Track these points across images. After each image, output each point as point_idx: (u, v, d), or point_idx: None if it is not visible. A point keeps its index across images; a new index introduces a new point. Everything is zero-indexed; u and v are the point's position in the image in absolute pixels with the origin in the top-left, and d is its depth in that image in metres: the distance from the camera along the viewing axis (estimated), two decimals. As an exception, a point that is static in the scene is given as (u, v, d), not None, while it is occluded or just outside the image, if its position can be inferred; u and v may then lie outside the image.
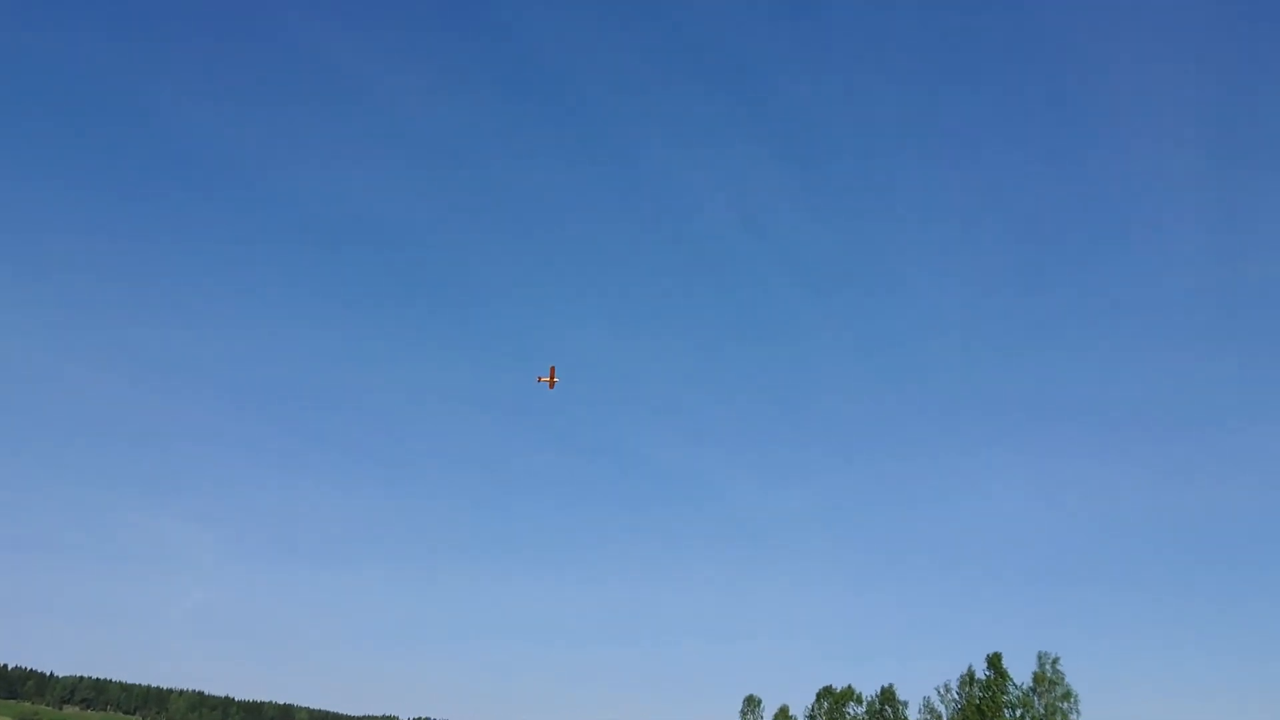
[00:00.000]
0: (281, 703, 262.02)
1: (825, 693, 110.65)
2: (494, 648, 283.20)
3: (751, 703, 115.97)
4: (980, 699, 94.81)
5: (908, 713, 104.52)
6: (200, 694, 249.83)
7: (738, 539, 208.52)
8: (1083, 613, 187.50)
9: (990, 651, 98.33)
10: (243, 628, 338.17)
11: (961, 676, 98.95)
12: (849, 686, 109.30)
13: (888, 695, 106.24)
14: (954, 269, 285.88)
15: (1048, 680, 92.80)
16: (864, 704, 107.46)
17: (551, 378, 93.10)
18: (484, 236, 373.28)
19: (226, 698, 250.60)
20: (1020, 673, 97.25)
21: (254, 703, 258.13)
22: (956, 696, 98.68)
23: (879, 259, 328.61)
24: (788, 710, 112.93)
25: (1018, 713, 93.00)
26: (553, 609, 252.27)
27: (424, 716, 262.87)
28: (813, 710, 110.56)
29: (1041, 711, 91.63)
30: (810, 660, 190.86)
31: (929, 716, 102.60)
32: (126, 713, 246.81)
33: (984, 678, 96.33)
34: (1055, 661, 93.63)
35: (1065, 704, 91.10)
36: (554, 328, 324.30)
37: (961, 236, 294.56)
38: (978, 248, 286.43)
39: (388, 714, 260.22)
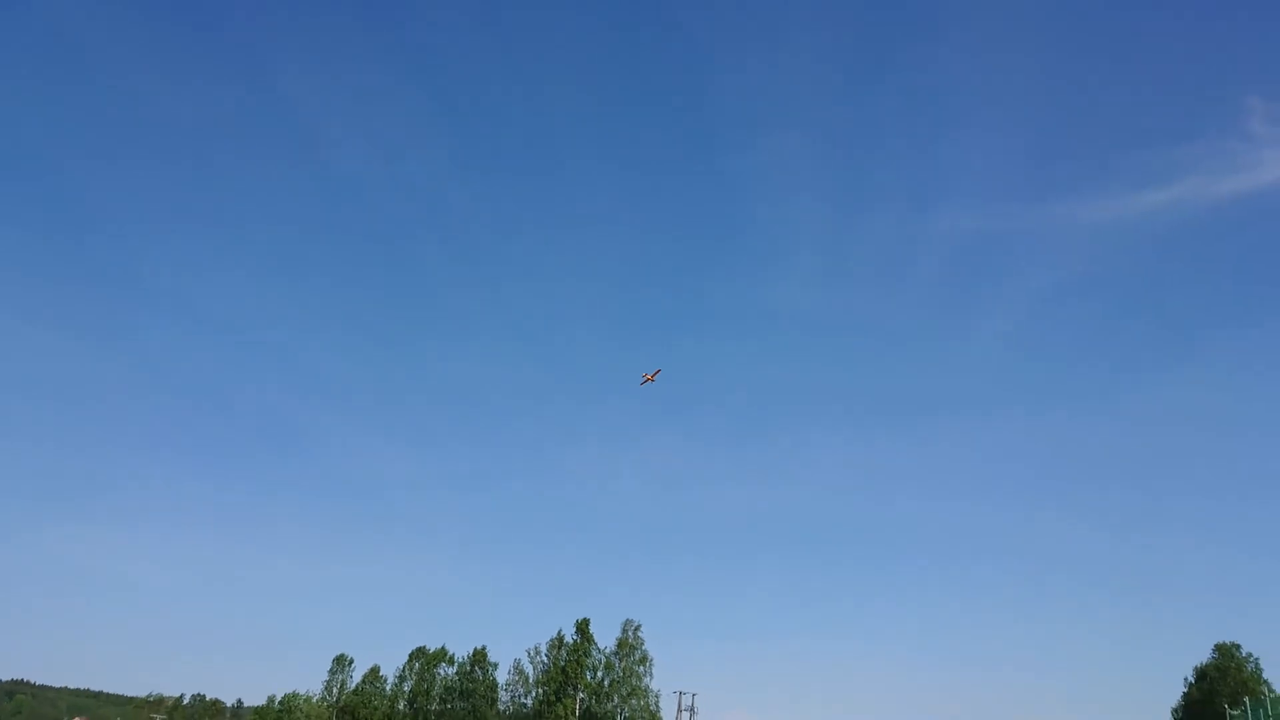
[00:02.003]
0: None
1: (418, 653, 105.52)
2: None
3: (341, 662, 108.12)
4: (566, 661, 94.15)
5: (497, 674, 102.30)
6: None
7: (339, 496, 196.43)
8: (668, 584, 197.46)
9: (580, 617, 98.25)
10: None
11: (551, 640, 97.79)
12: (442, 648, 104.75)
13: (479, 656, 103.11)
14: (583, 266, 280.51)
15: (629, 645, 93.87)
16: (455, 665, 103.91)
17: (652, 377, 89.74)
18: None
19: None
20: (607, 638, 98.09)
21: None
22: (545, 659, 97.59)
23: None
24: (378, 670, 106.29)
25: (599, 674, 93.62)
26: (129, 564, 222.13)
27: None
28: (404, 670, 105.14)
29: (621, 674, 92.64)
30: (406, 623, 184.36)
31: (517, 677, 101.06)
32: None
33: (572, 642, 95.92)
34: (637, 629, 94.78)
35: (641, 667, 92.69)
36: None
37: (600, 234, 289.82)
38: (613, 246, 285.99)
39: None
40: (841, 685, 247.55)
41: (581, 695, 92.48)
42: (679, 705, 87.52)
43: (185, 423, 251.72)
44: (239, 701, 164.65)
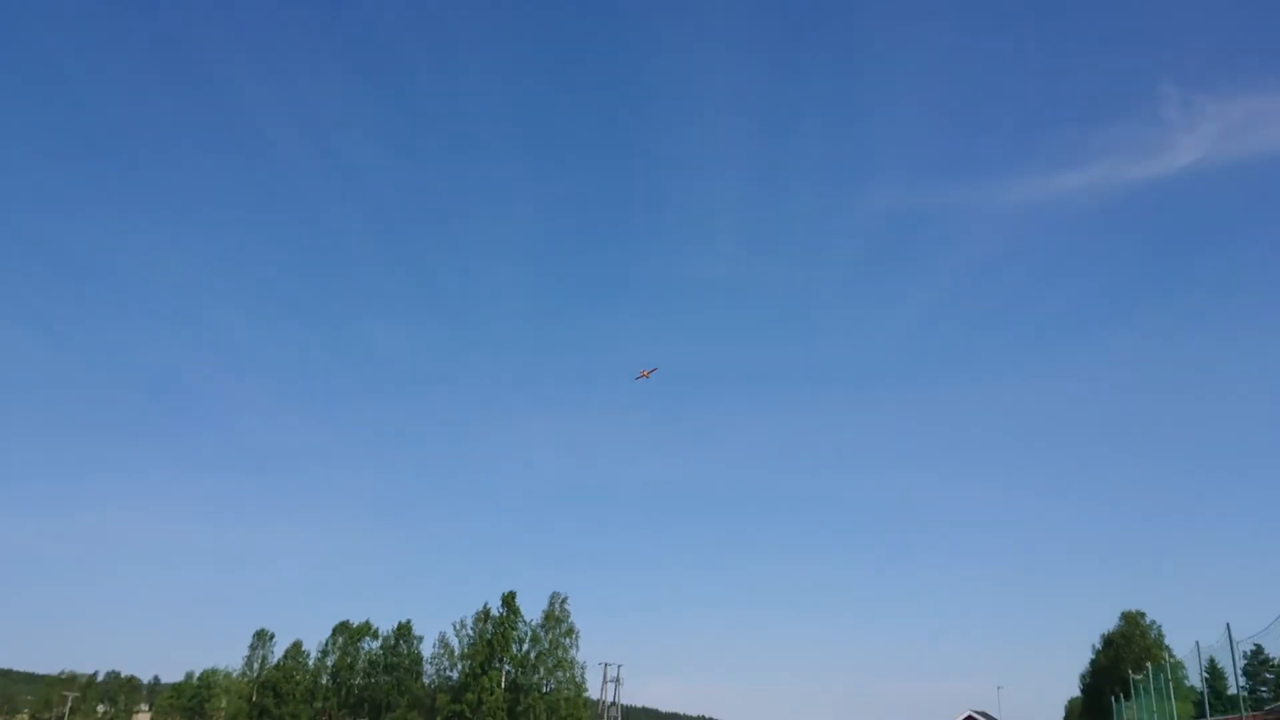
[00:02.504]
0: None
1: (341, 628, 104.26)
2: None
3: (262, 637, 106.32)
4: (493, 634, 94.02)
5: (422, 648, 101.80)
6: None
7: (257, 469, 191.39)
8: (594, 557, 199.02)
9: (506, 590, 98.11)
10: None
11: (477, 613, 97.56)
12: (366, 622, 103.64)
13: (404, 630, 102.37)
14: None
15: (556, 618, 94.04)
16: (380, 639, 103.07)
17: (647, 374, 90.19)
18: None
19: None
20: (533, 611, 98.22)
21: None
22: (471, 632, 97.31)
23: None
24: (300, 645, 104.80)
25: (525, 646, 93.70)
26: (36, 538, 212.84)
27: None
28: (327, 645, 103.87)
29: (547, 646, 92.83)
30: (329, 598, 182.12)
31: (443, 650, 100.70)
32: None
33: (498, 614, 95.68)
34: (564, 601, 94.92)
35: (568, 639, 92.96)
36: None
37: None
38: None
39: None
40: (763, 652, 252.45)
41: (508, 668, 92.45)
42: (605, 676, 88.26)
43: (91, 392, 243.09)
44: (155, 678, 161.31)
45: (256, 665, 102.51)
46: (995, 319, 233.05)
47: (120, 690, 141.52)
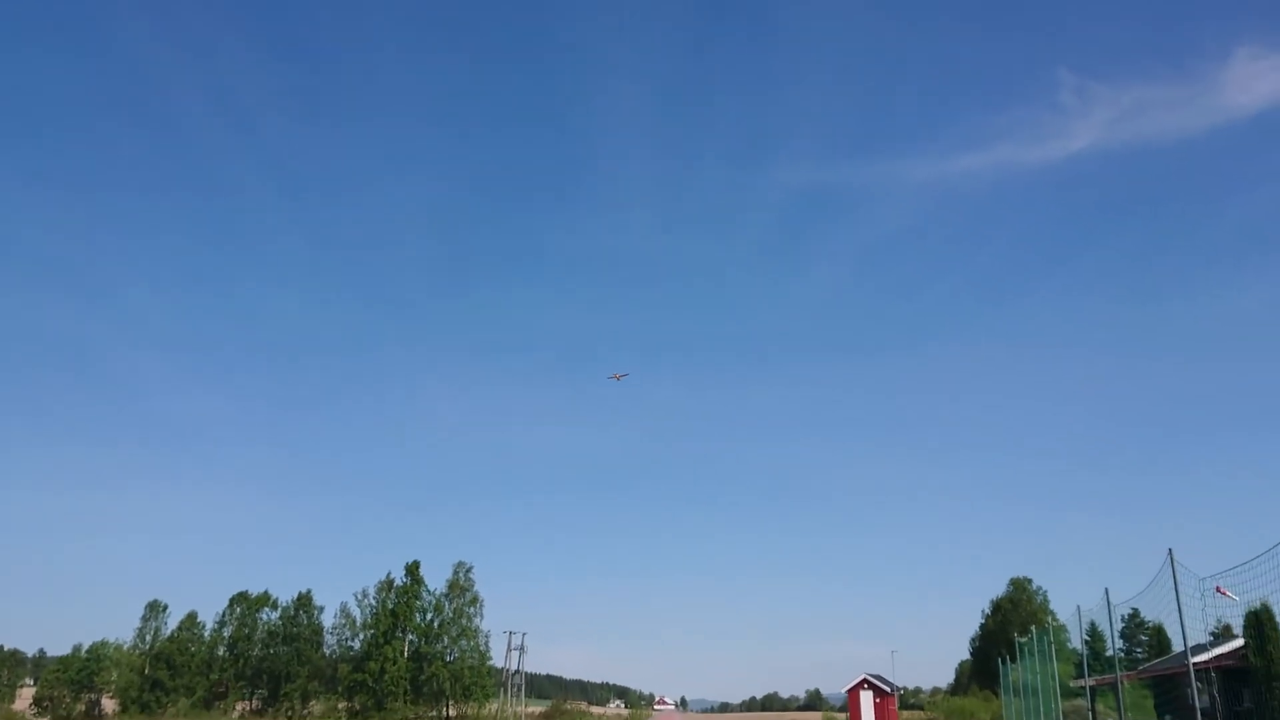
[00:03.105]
0: None
1: (238, 598, 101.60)
2: None
3: (155, 609, 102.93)
4: (396, 604, 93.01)
5: (323, 618, 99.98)
6: None
7: (149, 437, 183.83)
8: (498, 527, 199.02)
9: (411, 560, 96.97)
10: None
11: (380, 583, 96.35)
12: (265, 592, 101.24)
13: (303, 600, 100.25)
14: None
15: (460, 586, 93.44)
16: (279, 609, 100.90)
17: (619, 377, 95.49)
18: None
19: None
20: (437, 580, 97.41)
21: None
22: (373, 602, 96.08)
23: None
24: (195, 616, 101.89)
25: (429, 616, 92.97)
26: None
27: None
28: (223, 616, 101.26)
29: (451, 615, 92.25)
30: (225, 569, 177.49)
31: (344, 620, 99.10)
32: None
33: (401, 584, 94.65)
34: (468, 570, 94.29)
35: (472, 608, 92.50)
36: None
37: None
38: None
39: None
40: (666, 618, 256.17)
41: (411, 637, 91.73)
42: (509, 644, 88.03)
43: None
44: (41, 651, 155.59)
45: (149, 637, 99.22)
46: (900, 292, 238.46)
47: (2, 664, 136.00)
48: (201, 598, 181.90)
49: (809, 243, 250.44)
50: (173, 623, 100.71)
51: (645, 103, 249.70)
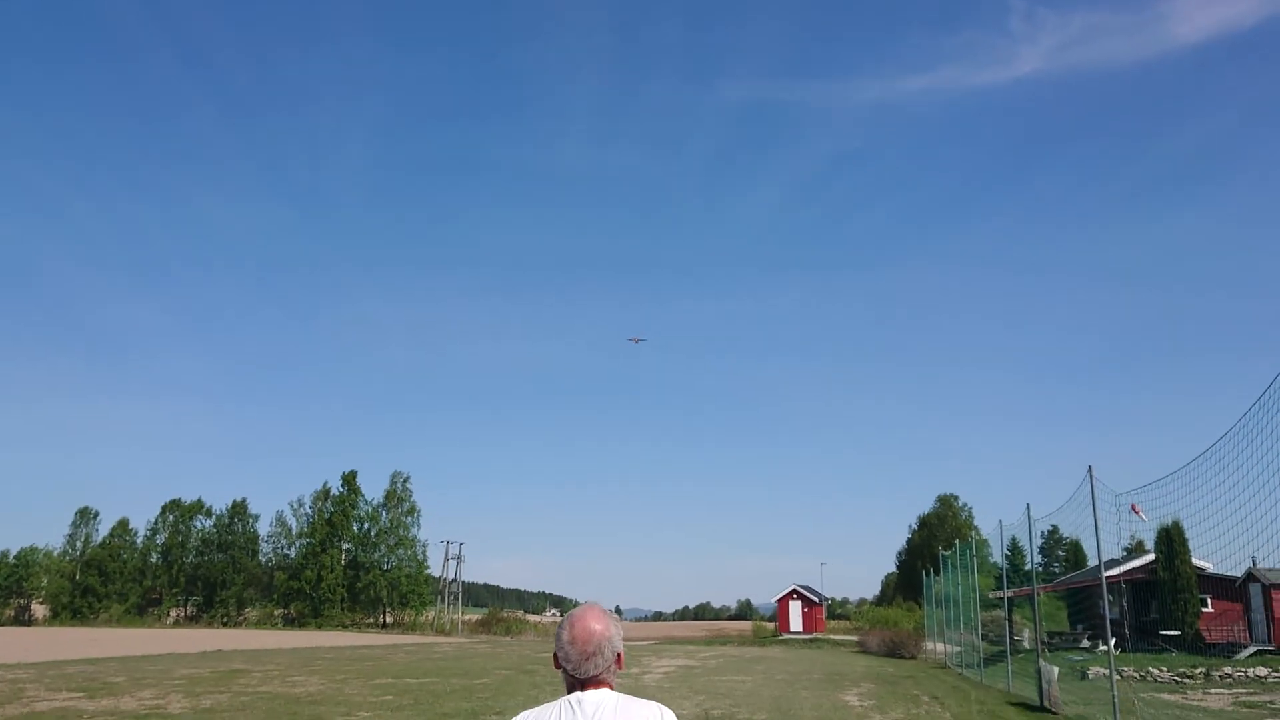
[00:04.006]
0: None
1: (171, 506, 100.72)
2: None
3: (85, 515, 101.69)
4: (332, 512, 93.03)
5: (258, 527, 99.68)
6: None
7: (77, 342, 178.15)
8: (436, 439, 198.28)
9: (347, 470, 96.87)
10: None
11: (316, 492, 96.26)
12: (198, 500, 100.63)
13: (238, 508, 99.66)
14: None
15: (397, 496, 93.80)
16: (213, 517, 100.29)
17: (637, 340, 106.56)
18: None
19: None
20: (375, 491, 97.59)
21: None
22: (309, 511, 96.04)
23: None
24: (127, 523, 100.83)
25: (365, 525, 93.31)
26: None
27: None
28: (156, 523, 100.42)
29: (388, 524, 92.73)
30: (157, 477, 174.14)
31: (280, 529, 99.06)
32: None
33: (338, 493, 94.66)
34: (406, 480, 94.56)
35: (409, 518, 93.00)
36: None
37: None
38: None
39: None
40: (602, 529, 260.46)
41: (347, 546, 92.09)
42: (446, 554, 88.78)
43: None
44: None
45: (79, 544, 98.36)
46: (840, 213, 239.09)
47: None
48: (133, 506, 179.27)
49: (752, 162, 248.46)
50: (104, 530, 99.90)
51: (588, 19, 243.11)
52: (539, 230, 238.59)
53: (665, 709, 2.47)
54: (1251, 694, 24.70)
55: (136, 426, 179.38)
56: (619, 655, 2.58)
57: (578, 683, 2.52)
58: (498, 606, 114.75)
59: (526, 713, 2.53)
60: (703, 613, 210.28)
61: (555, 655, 2.59)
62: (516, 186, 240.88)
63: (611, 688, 2.55)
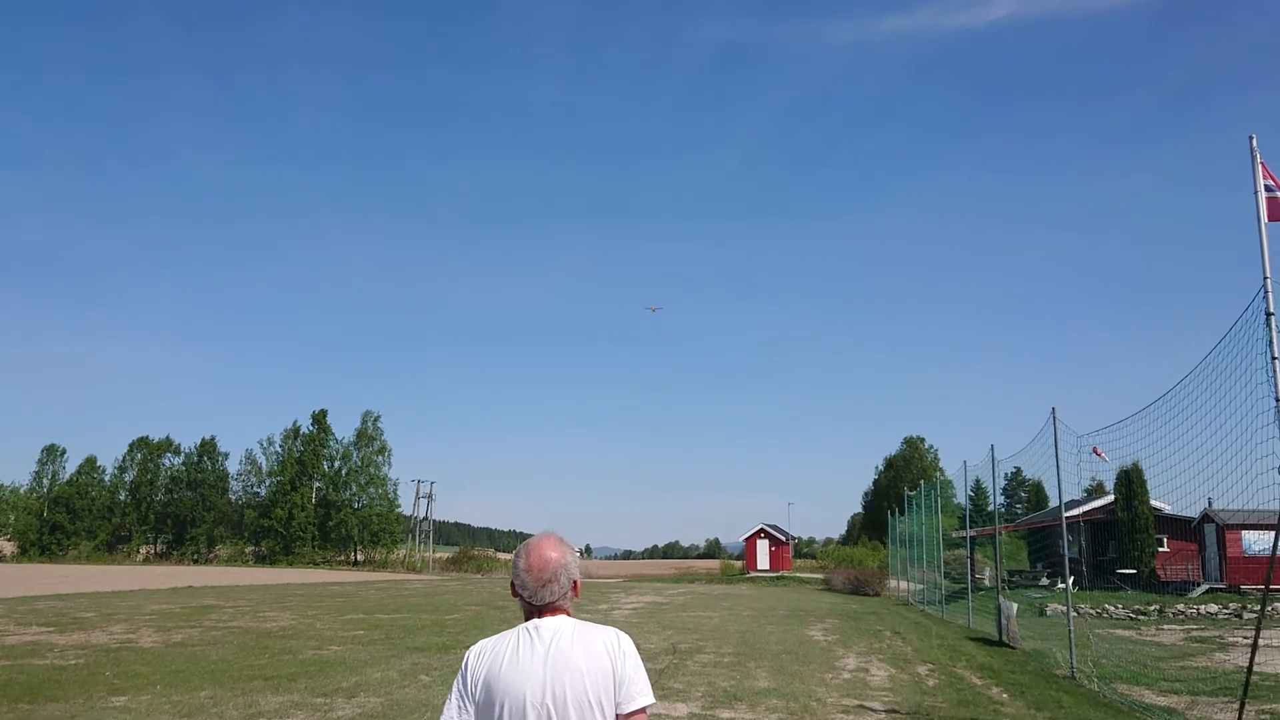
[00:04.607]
0: None
1: (139, 443, 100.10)
2: None
3: (52, 453, 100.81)
4: (303, 451, 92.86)
5: (228, 465, 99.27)
6: None
7: (40, 276, 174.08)
8: (408, 380, 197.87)
9: (317, 409, 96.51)
10: None
11: (286, 430, 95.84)
12: (167, 438, 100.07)
13: (207, 446, 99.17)
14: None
15: (368, 435, 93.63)
16: (182, 455, 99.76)
17: (654, 309, 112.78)
18: None
19: None
20: (346, 430, 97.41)
21: None
22: (280, 450, 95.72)
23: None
24: (95, 461, 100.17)
25: (336, 464, 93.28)
26: None
27: None
28: (124, 460, 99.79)
29: (359, 463, 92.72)
30: (125, 415, 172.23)
31: (250, 467, 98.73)
32: None
33: (308, 432, 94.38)
34: (377, 419, 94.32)
35: (380, 457, 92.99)
36: None
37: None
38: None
39: None
40: (572, 469, 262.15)
41: (318, 484, 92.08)
42: (417, 493, 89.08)
43: None
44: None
45: (46, 481, 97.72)
46: (814, 155, 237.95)
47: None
48: (101, 444, 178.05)
49: (726, 103, 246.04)
50: (71, 467, 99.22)
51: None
52: (507, 166, 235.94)
53: (622, 634, 2.51)
54: (1202, 629, 25.47)
55: (104, 364, 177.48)
56: (575, 583, 2.58)
57: (535, 610, 2.54)
58: (469, 545, 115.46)
59: (485, 640, 2.57)
60: (671, 551, 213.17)
61: (512, 584, 2.62)
62: (488, 126, 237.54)
63: (569, 614, 2.57)
